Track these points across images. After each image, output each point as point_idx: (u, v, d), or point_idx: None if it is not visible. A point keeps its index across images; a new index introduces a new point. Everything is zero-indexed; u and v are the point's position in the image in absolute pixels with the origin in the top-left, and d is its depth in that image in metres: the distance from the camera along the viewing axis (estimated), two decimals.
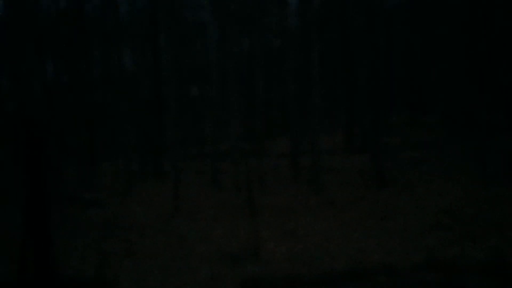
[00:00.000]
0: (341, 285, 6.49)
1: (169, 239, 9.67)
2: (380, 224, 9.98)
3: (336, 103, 27.86)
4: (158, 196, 14.67)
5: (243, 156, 15.73)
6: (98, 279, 7.31)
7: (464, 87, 20.38)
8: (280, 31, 25.79)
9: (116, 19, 20.29)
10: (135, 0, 19.08)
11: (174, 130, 15.77)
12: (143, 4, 21.10)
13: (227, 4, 17.01)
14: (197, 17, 27.02)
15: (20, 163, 7.19)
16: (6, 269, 7.32)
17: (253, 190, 12.66)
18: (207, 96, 20.76)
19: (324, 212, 11.38)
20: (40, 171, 6.82)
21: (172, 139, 15.59)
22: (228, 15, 17.33)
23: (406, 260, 7.44)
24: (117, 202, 14.07)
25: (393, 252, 8.01)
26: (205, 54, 28.01)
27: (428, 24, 26.36)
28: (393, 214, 10.73)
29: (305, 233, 9.63)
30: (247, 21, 19.68)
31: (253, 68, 18.04)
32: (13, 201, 10.16)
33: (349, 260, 7.69)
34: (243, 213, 11.43)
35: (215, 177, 16.40)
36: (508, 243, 8.07)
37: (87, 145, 19.34)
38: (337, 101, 27.50)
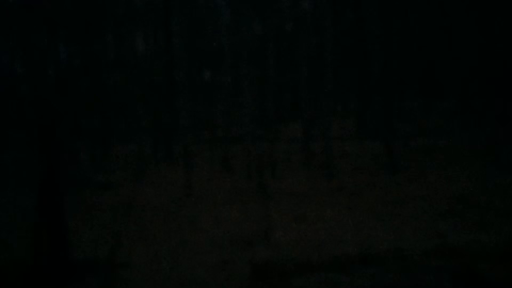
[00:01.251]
0: (351, 270, 6.49)
1: (181, 223, 9.74)
2: (392, 210, 9.96)
3: (348, 88, 27.67)
4: (170, 179, 14.74)
5: (254, 141, 15.73)
6: (110, 261, 7.39)
7: (479, 73, 20.13)
8: (293, 14, 25.56)
9: (129, 2, 20.26)
10: None
11: (186, 114, 15.79)
12: None
13: None
14: (210, 0, 26.85)
15: (34, 146, 7.25)
16: (21, 253, 7.42)
17: (264, 174, 12.68)
18: (219, 81, 20.75)
19: (335, 198, 11.37)
20: (53, 154, 6.87)
21: (184, 123, 15.62)
22: None
23: (418, 246, 7.41)
24: (130, 186, 14.17)
25: (405, 238, 7.99)
26: (217, 38, 27.89)
27: (444, 8, 25.97)
28: (405, 200, 10.69)
29: (316, 218, 9.64)
30: (260, 4, 19.53)
31: (265, 52, 17.95)
32: (26, 185, 10.28)
33: (360, 245, 7.68)
34: (254, 198, 11.46)
35: (227, 162, 16.43)
36: None
37: (100, 128, 19.45)
38: (350, 86, 27.30)
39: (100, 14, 20.46)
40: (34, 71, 7.01)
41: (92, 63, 19.75)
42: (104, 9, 21.59)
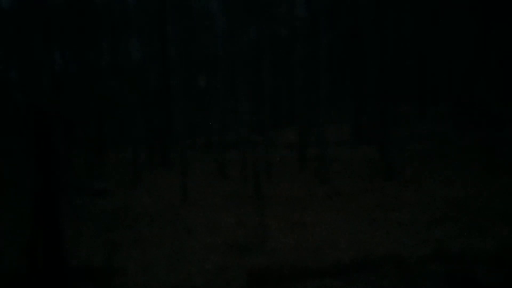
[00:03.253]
0: (347, 276, 6.49)
1: (177, 229, 9.72)
2: (387, 215, 9.96)
3: (344, 93, 27.76)
4: (166, 186, 14.72)
5: (250, 147, 15.73)
6: (106, 268, 7.36)
7: (474, 78, 20.23)
8: (288, 21, 25.65)
9: (124, 9, 20.29)
10: None
11: (181, 120, 15.78)
12: None
13: None
14: (204, 7, 26.92)
15: (29, 153, 7.24)
16: (17, 259, 7.38)
17: (260, 180, 12.67)
18: (214, 87, 20.77)
19: (331, 203, 11.37)
20: (49, 161, 6.85)
21: (180, 130, 15.61)
22: (236, 5, 17.25)
23: (414, 252, 7.42)
24: (125, 192, 14.13)
25: (400, 244, 8.00)
26: (212, 45, 27.95)
27: (439, 13, 26.13)
28: (400, 205, 10.71)
29: (312, 223, 9.64)
30: (255, 10, 19.59)
31: (260, 58, 17.99)
32: (22, 191, 10.24)
33: (356, 251, 7.69)
34: (250, 203, 11.45)
35: (223, 168, 16.43)
36: None
37: (96, 135, 19.43)
38: (345, 91, 27.40)
39: (95, 21, 20.46)
40: (29, 77, 7.00)
41: (88, 69, 19.74)
42: (99, 16, 21.61)
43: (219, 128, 18.22)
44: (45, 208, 6.78)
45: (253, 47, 26.31)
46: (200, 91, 28.96)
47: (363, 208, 10.64)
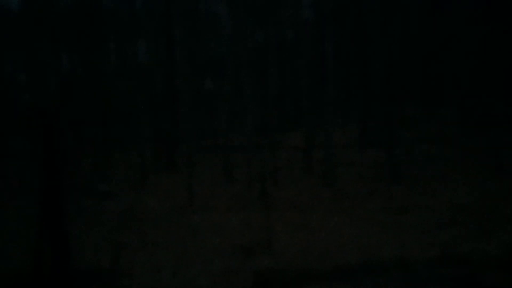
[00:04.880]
0: (354, 279, 6.46)
1: (183, 231, 9.72)
2: (394, 218, 9.93)
3: (350, 96, 27.68)
4: (172, 188, 14.72)
5: (256, 149, 15.71)
6: (112, 270, 7.36)
7: (480, 80, 20.15)
8: (294, 23, 25.66)
9: (131, 11, 20.36)
10: None
11: (187, 122, 15.80)
12: None
13: None
14: (211, 9, 26.96)
15: (36, 154, 7.26)
16: (23, 261, 7.40)
17: (266, 183, 12.66)
18: (220, 89, 20.79)
19: (338, 206, 11.34)
20: (55, 162, 6.87)
21: (186, 132, 15.63)
22: (243, 7, 17.27)
23: (421, 255, 7.39)
24: (131, 194, 14.14)
25: (408, 247, 7.96)
26: (219, 47, 27.96)
27: (446, 15, 26.05)
28: (407, 209, 10.66)
29: (318, 226, 9.62)
30: (261, 13, 19.60)
31: (267, 61, 17.97)
32: (29, 193, 10.27)
33: (362, 254, 7.66)
34: (256, 206, 11.43)
35: (228, 170, 16.41)
36: None
37: (102, 136, 19.47)
38: (351, 94, 27.32)
39: (102, 23, 20.54)
40: (36, 79, 7.03)
41: (94, 71, 19.81)
42: (106, 18, 21.69)
43: (225, 131, 18.21)
44: (51, 209, 6.79)
45: (259, 49, 26.30)
46: (206, 93, 28.98)
47: (370, 211, 10.61)
